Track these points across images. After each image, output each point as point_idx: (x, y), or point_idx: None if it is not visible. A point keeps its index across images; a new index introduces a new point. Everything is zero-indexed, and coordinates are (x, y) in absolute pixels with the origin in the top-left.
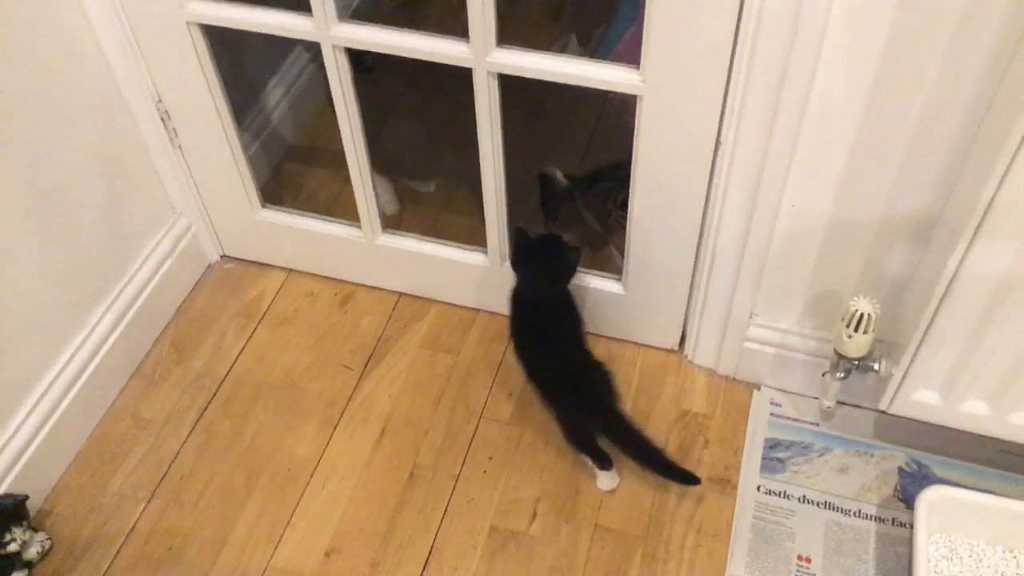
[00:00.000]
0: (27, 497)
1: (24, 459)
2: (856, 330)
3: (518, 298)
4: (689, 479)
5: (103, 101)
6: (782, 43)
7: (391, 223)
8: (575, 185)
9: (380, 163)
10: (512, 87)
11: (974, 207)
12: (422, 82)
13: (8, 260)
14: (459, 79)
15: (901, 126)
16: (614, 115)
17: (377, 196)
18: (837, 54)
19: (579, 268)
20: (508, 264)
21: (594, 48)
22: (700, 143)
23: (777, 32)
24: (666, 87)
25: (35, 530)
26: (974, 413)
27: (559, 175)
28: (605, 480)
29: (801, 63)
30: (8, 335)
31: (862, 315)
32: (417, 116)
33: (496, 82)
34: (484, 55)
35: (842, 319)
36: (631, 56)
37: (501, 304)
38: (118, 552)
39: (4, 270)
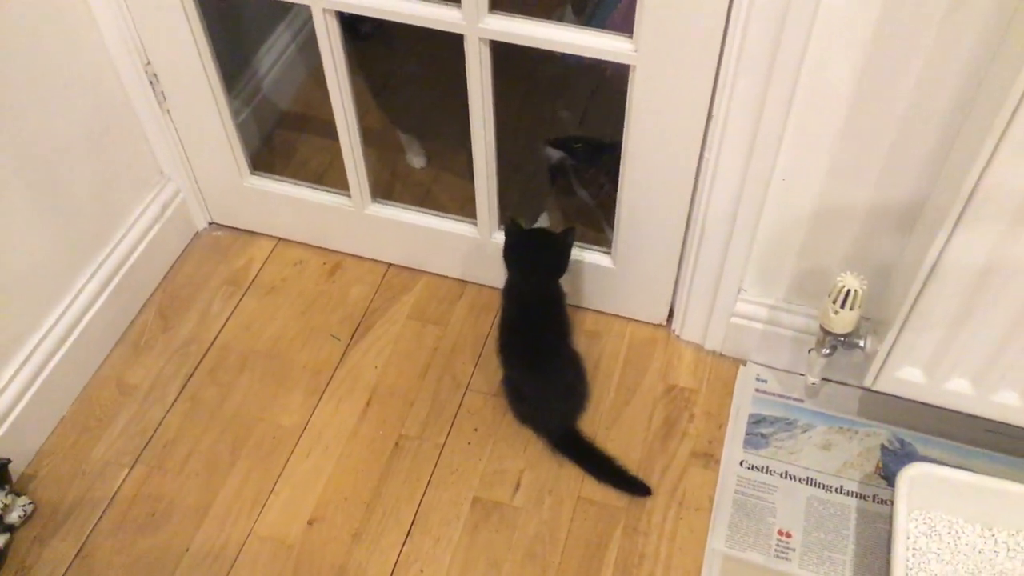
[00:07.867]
0: (10, 461)
1: (7, 423)
2: (842, 306)
3: (508, 295)
4: (641, 489)
5: (91, 63)
6: (776, 14)
7: (380, 193)
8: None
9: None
10: (509, 61)
11: (958, 193)
12: (419, 52)
13: None
14: (454, 50)
15: (893, 101)
16: (609, 90)
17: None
18: (831, 25)
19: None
20: (497, 235)
21: (588, 18)
22: (692, 114)
23: (771, 2)
24: (659, 57)
25: (17, 494)
26: (958, 391)
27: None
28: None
29: (795, 33)
30: None
31: (849, 291)
32: (414, 86)
33: (488, 49)
34: (476, 21)
35: (829, 295)
36: (625, 28)
37: (490, 276)
38: (100, 517)
39: None
